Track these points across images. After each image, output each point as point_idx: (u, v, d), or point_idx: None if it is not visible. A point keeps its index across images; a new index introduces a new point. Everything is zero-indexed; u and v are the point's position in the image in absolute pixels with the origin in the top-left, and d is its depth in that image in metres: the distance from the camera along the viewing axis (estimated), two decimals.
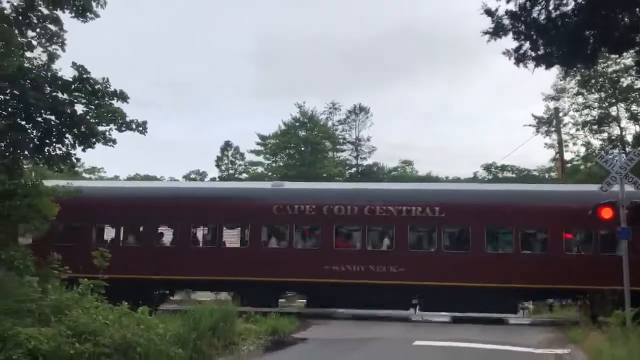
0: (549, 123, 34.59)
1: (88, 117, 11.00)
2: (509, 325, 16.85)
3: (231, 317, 11.53)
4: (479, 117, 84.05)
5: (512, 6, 10.41)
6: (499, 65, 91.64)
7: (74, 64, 10.82)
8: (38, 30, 10.90)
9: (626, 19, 10.37)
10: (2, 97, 10.52)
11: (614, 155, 15.19)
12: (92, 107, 11.00)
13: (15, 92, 10.32)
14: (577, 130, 34.55)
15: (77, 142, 11.05)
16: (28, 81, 10.44)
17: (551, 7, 10.12)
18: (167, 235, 18.59)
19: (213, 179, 52.57)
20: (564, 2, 10.05)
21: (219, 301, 14.77)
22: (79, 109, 10.96)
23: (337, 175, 46.90)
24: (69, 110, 10.73)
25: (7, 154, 10.40)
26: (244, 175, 51.74)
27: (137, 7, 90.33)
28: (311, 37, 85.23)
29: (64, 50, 11.00)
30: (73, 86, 10.83)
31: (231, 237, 18.83)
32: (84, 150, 11.19)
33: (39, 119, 10.72)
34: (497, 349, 11.69)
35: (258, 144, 49.07)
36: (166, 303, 18.33)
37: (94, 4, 10.94)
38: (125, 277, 15.30)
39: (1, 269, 9.67)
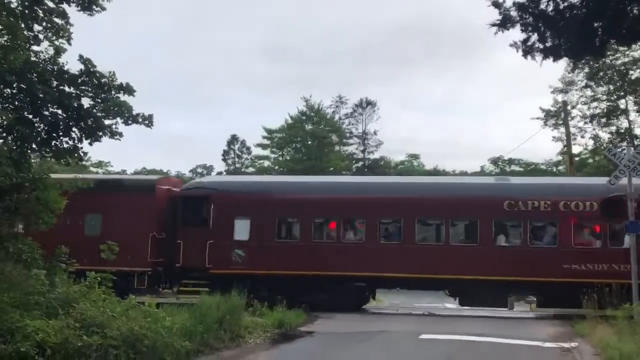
0: (557, 116, 34.36)
1: (94, 110, 11.01)
2: (516, 319, 16.81)
3: (238, 310, 11.58)
4: (486, 111, 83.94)
5: None
6: (506, 58, 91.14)
7: (80, 57, 10.83)
8: (44, 24, 10.90)
9: (635, 11, 10.23)
10: (9, 90, 10.54)
11: (622, 148, 15.06)
12: (99, 100, 10.99)
13: (22, 85, 10.34)
14: (585, 123, 34.34)
15: (83, 135, 11.06)
16: (35, 75, 10.44)
17: None
18: (387, 231, 17.69)
19: (219, 173, 52.72)
20: None
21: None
22: (86, 102, 10.96)
23: (343, 169, 46.85)
24: (75, 104, 10.74)
25: (15, 147, 10.43)
26: (250, 169, 51.81)
27: (145, 2, 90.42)
28: (319, 31, 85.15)
29: (70, 44, 10.99)
30: (80, 80, 10.83)
31: (456, 235, 17.67)
32: (90, 143, 11.20)
33: (46, 112, 10.73)
34: (504, 342, 11.66)
35: (264, 137, 49.09)
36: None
37: None
38: (341, 275, 16.03)
39: (9, 262, 9.74)
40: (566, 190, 16.83)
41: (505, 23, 10.24)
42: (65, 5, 10.87)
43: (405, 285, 17.84)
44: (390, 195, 17.46)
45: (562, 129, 32.50)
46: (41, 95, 10.21)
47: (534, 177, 29.87)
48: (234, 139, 54.92)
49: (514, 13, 10.29)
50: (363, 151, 51.97)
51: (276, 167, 47.42)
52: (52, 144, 11.00)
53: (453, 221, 16.99)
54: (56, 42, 10.90)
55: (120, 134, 11.31)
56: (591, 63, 28.95)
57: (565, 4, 10.05)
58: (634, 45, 21.99)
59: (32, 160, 11.45)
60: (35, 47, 10.87)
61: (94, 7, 10.99)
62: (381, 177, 31.48)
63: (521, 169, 46.88)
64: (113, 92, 11.02)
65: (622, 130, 33.30)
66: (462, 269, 16.10)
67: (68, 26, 10.97)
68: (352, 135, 52.02)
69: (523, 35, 10.49)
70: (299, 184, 19.48)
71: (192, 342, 9.44)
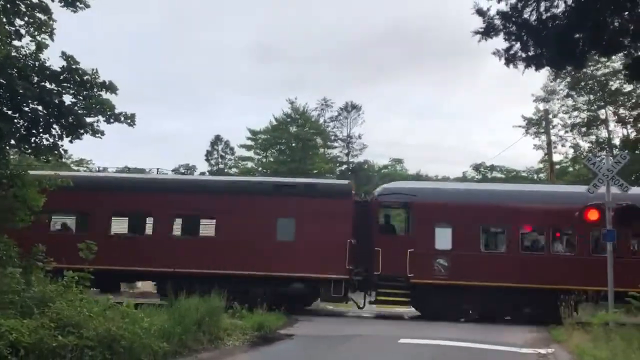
0: (539, 124, 34.84)
1: (76, 107, 10.89)
2: (495, 325, 16.93)
3: (217, 312, 11.51)
4: (469, 117, 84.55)
5: (503, 6, 10.47)
6: (490, 66, 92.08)
7: (63, 53, 10.70)
8: (26, 18, 10.76)
9: (615, 23, 10.44)
10: None
11: (602, 157, 15.27)
12: (81, 97, 10.88)
13: (2, 81, 10.17)
14: (566, 132, 34.92)
15: (64, 132, 10.94)
16: (15, 70, 10.29)
17: (542, 8, 10.18)
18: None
19: (202, 174, 52.40)
20: (555, 4, 10.11)
21: None
22: (67, 99, 10.85)
23: (327, 172, 46.92)
24: (56, 101, 10.61)
25: None
26: (234, 170, 51.61)
27: (131, 0, 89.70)
28: (305, 34, 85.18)
29: (52, 40, 10.86)
30: (61, 76, 10.71)
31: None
32: (71, 141, 11.07)
33: (26, 108, 10.58)
34: (482, 347, 11.75)
35: (249, 138, 48.96)
36: None
37: None
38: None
39: None
40: None
41: (488, 31, 10.39)
42: (48, 1, 10.75)
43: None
44: None
45: (544, 137, 32.95)
46: (21, 91, 10.06)
47: None
48: (217, 140, 54.72)
49: (497, 21, 10.45)
50: (347, 154, 52.17)
51: (259, 169, 47.28)
52: (32, 140, 10.86)
53: None
54: (38, 38, 10.77)
55: (102, 132, 11.22)
56: (573, 73, 29.40)
57: (548, 14, 10.23)
58: (613, 57, 22.38)
59: (11, 157, 11.28)
60: (16, 42, 10.74)
61: (78, 3, 10.88)
62: None
63: (502, 176, 47.35)
64: (95, 90, 10.91)
65: (602, 140, 33.89)
66: None
67: (51, 22, 10.84)
68: (337, 138, 52.21)
69: (506, 44, 10.65)
70: (505, 192, 18.69)
71: (170, 343, 9.35)
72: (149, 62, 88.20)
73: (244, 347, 11.26)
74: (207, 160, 54.70)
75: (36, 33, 10.79)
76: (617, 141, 33.52)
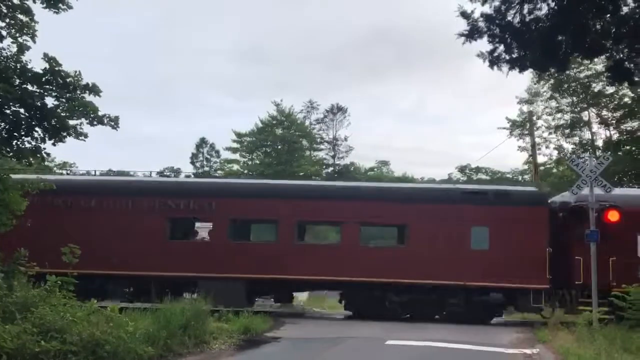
0: (523, 126, 35.14)
1: (59, 110, 10.78)
2: (481, 326, 17.03)
3: (203, 315, 11.42)
4: (454, 119, 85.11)
5: (487, 9, 10.52)
6: (475, 68, 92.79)
7: (45, 55, 10.60)
8: (8, 20, 10.63)
9: (597, 26, 10.54)
10: None
11: (585, 159, 15.45)
12: (63, 100, 10.78)
13: None
14: (550, 133, 35.29)
15: (47, 135, 10.83)
16: None
17: (525, 11, 10.24)
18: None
19: (188, 176, 52.03)
20: (538, 6, 10.18)
21: None
22: (50, 101, 10.76)
23: (314, 175, 46.92)
24: (38, 103, 10.52)
25: None
26: (219, 173, 51.38)
27: (114, 2, 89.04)
28: (290, 36, 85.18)
29: (34, 42, 10.78)
30: (44, 78, 10.61)
31: None
32: (54, 144, 10.99)
33: (7, 111, 10.48)
34: (468, 348, 11.80)
35: (234, 141, 48.83)
36: None
37: None
38: None
39: None
40: None
41: (472, 33, 10.43)
42: (30, 2, 10.64)
43: None
44: None
45: (528, 139, 33.27)
46: (2, 94, 9.95)
47: None
48: (203, 142, 54.40)
49: (482, 24, 10.49)
50: (333, 157, 52.21)
51: (245, 171, 47.13)
52: (14, 143, 10.73)
53: None
54: (20, 39, 10.65)
55: (86, 135, 11.13)
56: (556, 75, 29.71)
57: (531, 16, 10.29)
58: (596, 59, 22.61)
59: None
60: None
61: (60, 4, 10.78)
62: None
63: (488, 178, 47.71)
64: (78, 92, 10.83)
65: (585, 141, 34.27)
66: None
67: (33, 23, 10.73)
68: (323, 140, 52.21)
69: (490, 46, 10.70)
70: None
71: (155, 347, 9.27)
72: (131, 64, 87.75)
73: (230, 351, 11.18)
74: (192, 163, 54.37)
75: (17, 35, 10.67)
76: (600, 142, 34.00)
